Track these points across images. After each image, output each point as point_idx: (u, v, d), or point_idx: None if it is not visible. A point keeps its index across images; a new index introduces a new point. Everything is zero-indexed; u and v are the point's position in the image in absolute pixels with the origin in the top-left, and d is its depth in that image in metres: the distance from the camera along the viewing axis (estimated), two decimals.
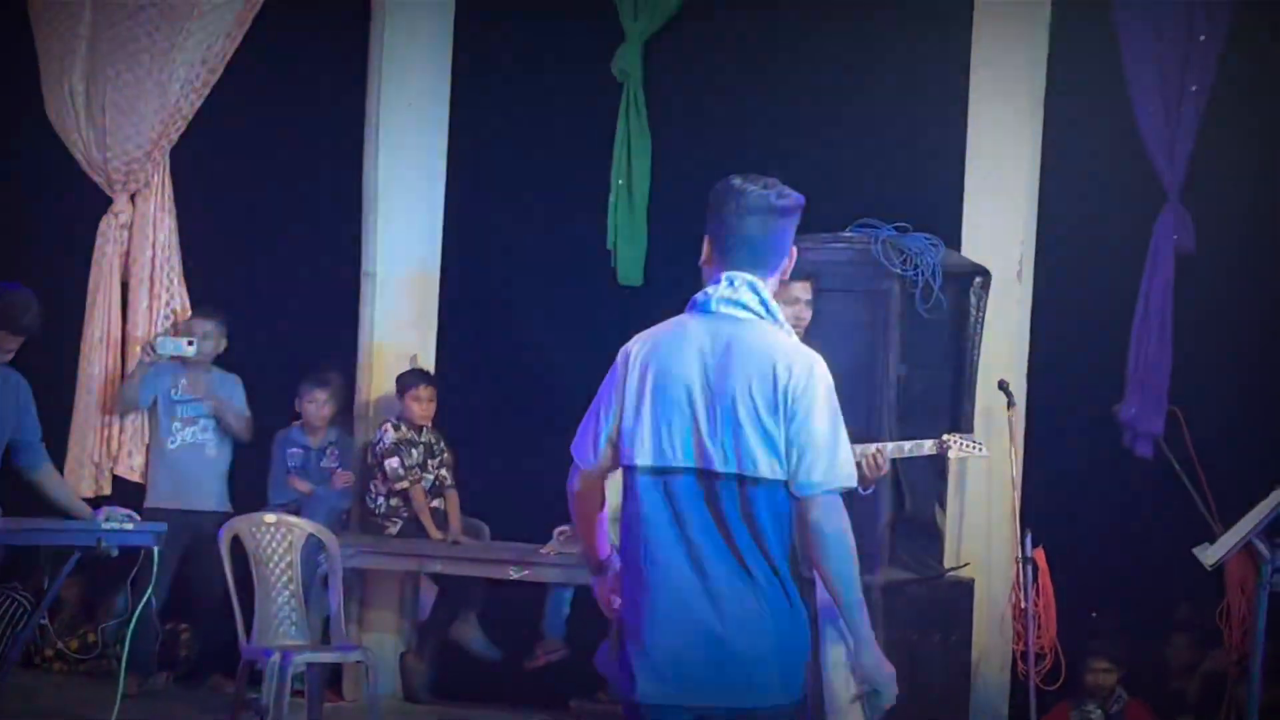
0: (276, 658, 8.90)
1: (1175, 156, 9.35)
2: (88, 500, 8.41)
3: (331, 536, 9.40)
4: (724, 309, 4.96)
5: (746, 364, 4.88)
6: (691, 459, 4.88)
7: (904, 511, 8.86)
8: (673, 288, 10.14)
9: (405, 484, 9.89)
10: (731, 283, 4.98)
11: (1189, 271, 9.46)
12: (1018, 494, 8.95)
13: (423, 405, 10.00)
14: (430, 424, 10.07)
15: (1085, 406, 9.82)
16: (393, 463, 9.90)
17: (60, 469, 8.91)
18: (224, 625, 9.49)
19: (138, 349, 10.28)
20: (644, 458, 4.92)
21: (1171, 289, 9.42)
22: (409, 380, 10.05)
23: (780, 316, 5.00)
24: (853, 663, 4.94)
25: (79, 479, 10.13)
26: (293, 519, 9.45)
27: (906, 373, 8.82)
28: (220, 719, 9.35)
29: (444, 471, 10.07)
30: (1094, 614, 9.68)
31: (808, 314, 7.21)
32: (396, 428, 9.97)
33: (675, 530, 4.89)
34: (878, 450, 7.52)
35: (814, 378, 4.87)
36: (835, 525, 4.83)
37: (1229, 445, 9.26)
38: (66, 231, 10.68)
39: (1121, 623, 10.16)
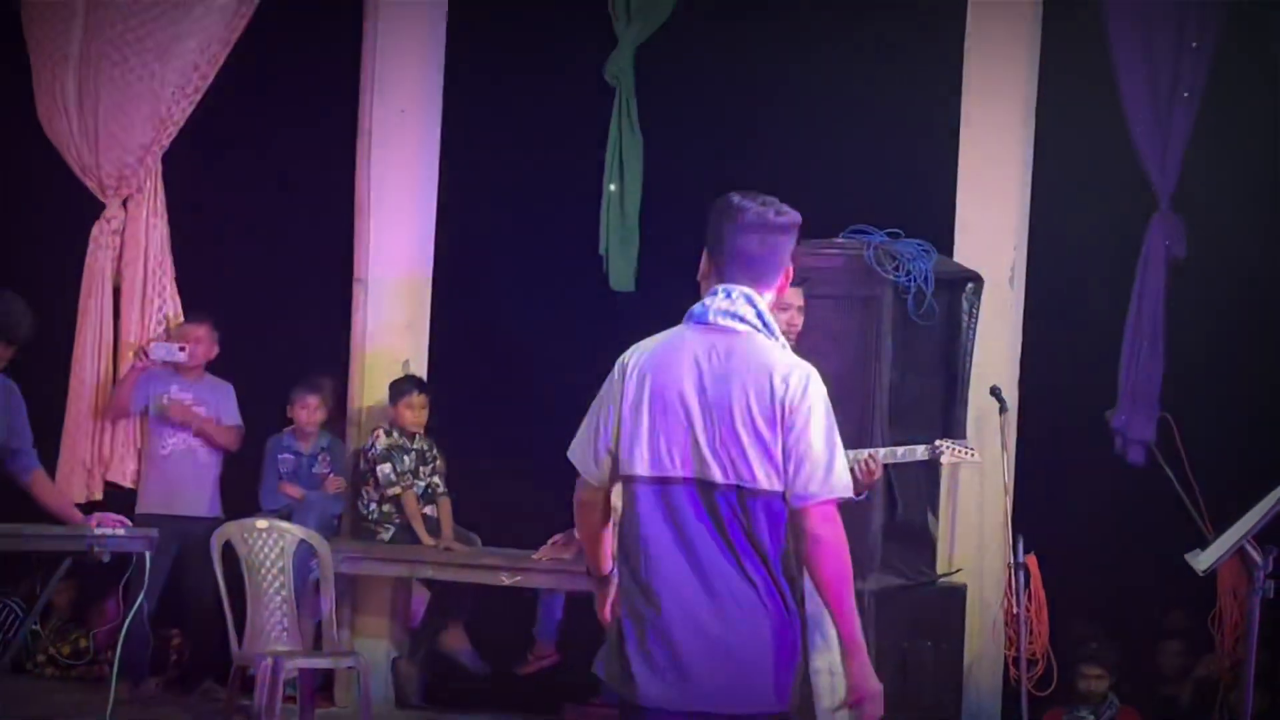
0: (268, 663, 8.90)
1: (1167, 163, 9.37)
2: (80, 506, 8.39)
3: (323, 542, 9.40)
4: (721, 321, 5.03)
5: (744, 376, 4.95)
6: (690, 469, 4.96)
7: (896, 517, 8.86)
8: (665, 293, 10.14)
9: (397, 490, 9.88)
10: (729, 295, 5.05)
11: (1181, 277, 9.47)
12: (1010, 500, 8.96)
13: (415, 412, 9.99)
14: (422, 431, 10.06)
15: (1077, 412, 9.83)
16: (385, 469, 9.89)
17: (52, 474, 8.91)
18: (216, 631, 9.49)
19: (130, 354, 10.27)
20: (643, 467, 4.99)
21: (1163, 295, 9.43)
22: (402, 387, 10.05)
23: (776, 330, 5.07)
24: (844, 671, 5.01)
25: (71, 484, 10.12)
26: (285, 525, 9.45)
27: (899, 378, 8.82)
28: None
29: (436, 479, 10.06)
30: (1086, 646, 9.65)
31: (800, 320, 7.22)
32: (388, 434, 9.96)
33: (675, 538, 4.97)
34: (870, 456, 7.53)
35: (810, 390, 4.94)
36: (832, 535, 4.91)
37: (1221, 451, 9.26)
38: (59, 237, 10.67)
39: (1113, 629, 10.17)
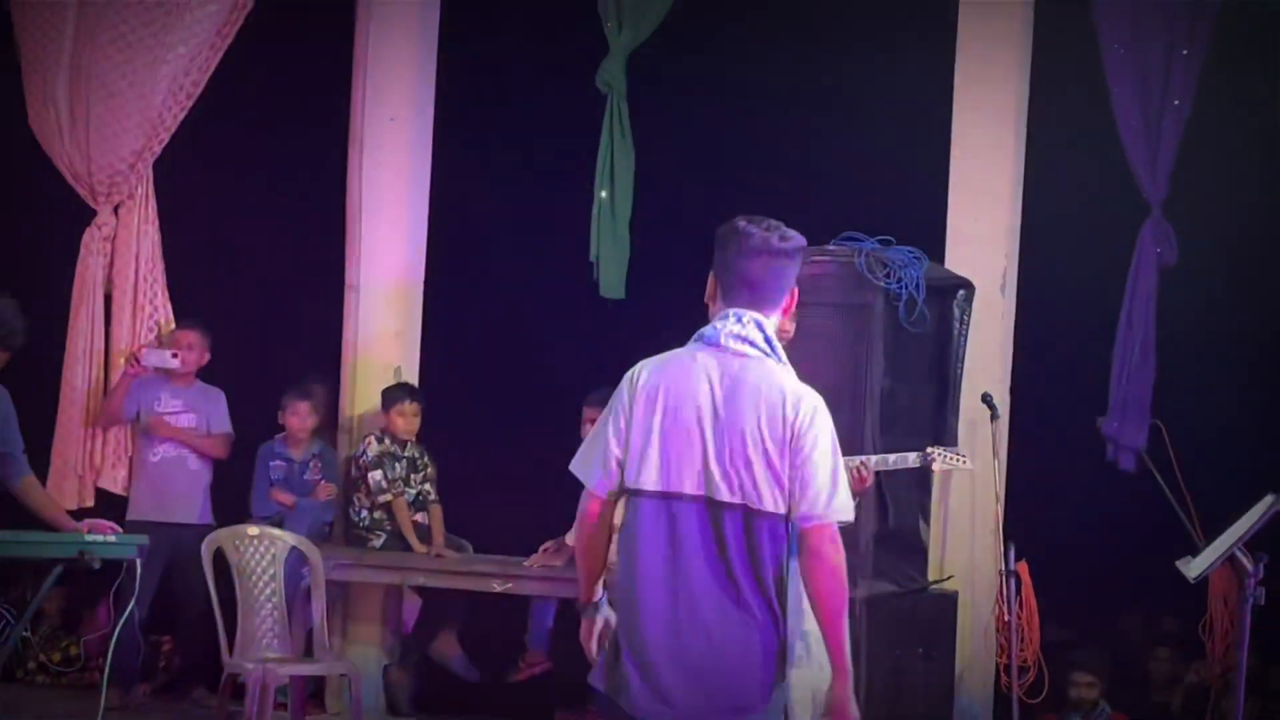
0: (259, 671, 8.89)
1: (1158, 170, 9.37)
2: (71, 513, 8.38)
3: (314, 549, 9.40)
4: (733, 344, 5.16)
5: (755, 400, 5.09)
6: (699, 487, 5.09)
7: (887, 524, 8.86)
8: (655, 300, 10.20)
9: (388, 497, 9.88)
10: (740, 319, 5.17)
11: (1172, 284, 9.48)
12: (1001, 507, 8.96)
13: (407, 420, 9.99)
14: (414, 438, 10.06)
15: (1068, 419, 9.84)
16: (376, 475, 9.89)
17: (43, 481, 8.89)
18: (207, 638, 9.49)
19: (121, 361, 10.26)
20: (651, 483, 5.11)
21: (1154, 302, 9.44)
22: (394, 395, 10.04)
23: (783, 355, 5.20)
24: (827, 689, 5.11)
25: (62, 491, 10.11)
26: (276, 531, 9.44)
27: (890, 385, 8.82)
28: None
29: (427, 486, 10.06)
30: (1077, 653, 9.67)
31: (791, 327, 7.21)
32: (380, 440, 9.96)
33: (671, 554, 5.09)
34: (861, 463, 7.54)
35: (819, 416, 5.11)
36: (833, 556, 5.07)
37: (1212, 458, 9.28)
38: (50, 243, 10.66)
39: (1105, 636, 10.18)
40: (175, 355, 10.02)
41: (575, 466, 5.29)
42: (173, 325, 10.39)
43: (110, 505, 10.04)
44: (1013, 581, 8.67)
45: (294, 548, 9.34)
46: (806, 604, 5.16)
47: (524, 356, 10.90)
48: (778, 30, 10.45)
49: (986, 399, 9.06)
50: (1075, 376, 9.92)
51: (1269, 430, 9.70)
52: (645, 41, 10.05)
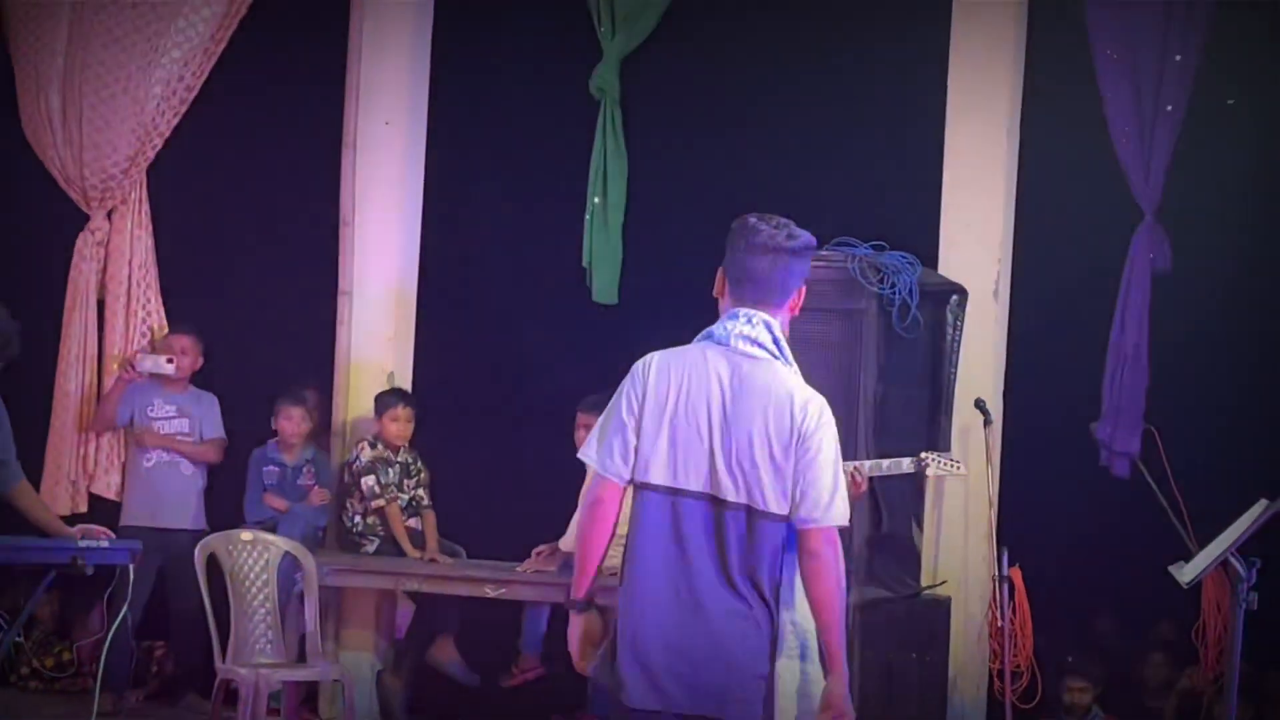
0: (252, 676, 8.88)
1: (1151, 175, 9.38)
2: (64, 518, 8.37)
3: (308, 554, 9.39)
4: (741, 345, 5.27)
5: (764, 402, 5.20)
6: (705, 484, 5.20)
7: (881, 530, 8.87)
8: (648, 306, 10.20)
9: (381, 502, 9.87)
10: (750, 320, 5.29)
11: (1165, 290, 9.48)
12: (994, 512, 8.96)
13: (400, 425, 9.98)
14: (407, 444, 10.05)
15: (1062, 425, 9.84)
16: (369, 481, 9.88)
17: (36, 486, 8.88)
18: (200, 643, 9.48)
19: (115, 366, 10.25)
20: (658, 477, 5.22)
21: (1148, 307, 9.44)
22: (387, 400, 10.04)
23: (790, 356, 5.32)
24: (823, 684, 5.25)
25: (55, 497, 10.11)
26: (269, 537, 9.44)
27: (883, 391, 8.83)
28: None
29: (421, 491, 10.05)
30: (1069, 659, 9.68)
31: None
32: (373, 446, 9.96)
33: (675, 549, 5.21)
34: (855, 469, 7.54)
35: (825, 421, 5.25)
36: (832, 558, 5.21)
37: (1205, 463, 9.28)
38: (43, 248, 10.65)
39: (1098, 641, 10.18)
40: (171, 361, 10.02)
41: (586, 454, 5.35)
42: (166, 330, 10.38)
43: (103, 511, 10.04)
44: (1006, 587, 8.69)
45: (287, 553, 9.34)
46: (800, 599, 5.24)
47: (517, 362, 10.89)
48: (771, 35, 10.45)
49: (980, 404, 9.06)
50: (1069, 382, 9.92)
51: (1262, 436, 9.71)
52: (638, 47, 10.06)
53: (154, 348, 10.26)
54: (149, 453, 10.09)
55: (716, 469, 5.19)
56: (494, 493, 10.60)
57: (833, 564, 5.20)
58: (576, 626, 5.43)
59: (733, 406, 5.20)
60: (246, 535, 9.37)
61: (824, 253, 8.89)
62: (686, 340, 5.46)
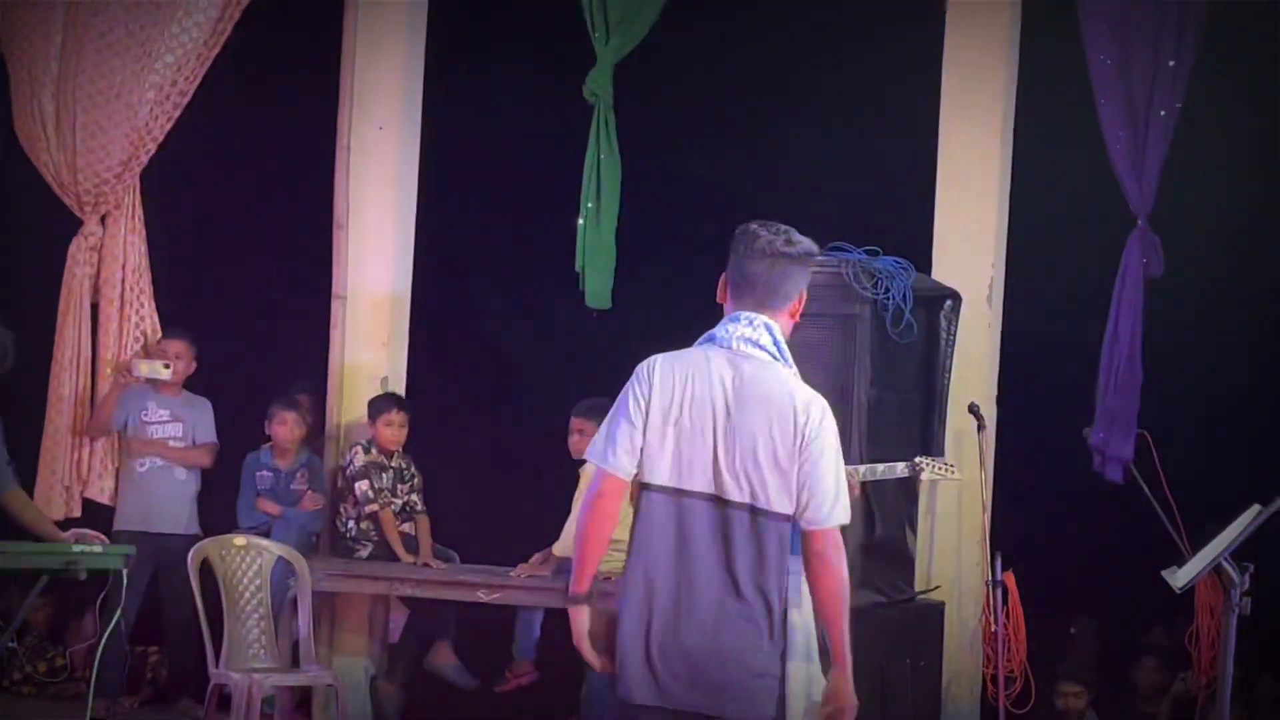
0: (246, 681, 8.88)
1: (1144, 180, 9.39)
2: (58, 523, 8.36)
3: (301, 559, 9.38)
4: (743, 347, 5.37)
5: (767, 403, 5.30)
6: (708, 486, 5.29)
7: (874, 535, 8.86)
8: (641, 311, 10.19)
9: (375, 507, 9.86)
10: (751, 323, 5.39)
11: (1158, 295, 9.49)
12: (988, 517, 8.97)
13: (394, 430, 9.97)
14: (401, 448, 10.05)
15: (1055, 430, 9.85)
16: (362, 486, 9.87)
17: (30, 492, 8.87)
18: (193, 648, 9.47)
19: (108, 371, 10.25)
20: (662, 477, 5.31)
21: (1141, 312, 9.45)
22: (381, 405, 10.03)
23: (790, 359, 5.41)
24: (826, 680, 5.41)
25: (49, 501, 10.09)
26: (262, 542, 9.43)
27: (877, 396, 8.82)
28: None
29: (414, 496, 10.04)
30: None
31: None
32: (367, 450, 9.95)
33: (678, 548, 5.30)
34: (850, 473, 7.53)
35: (826, 422, 5.35)
36: (834, 556, 5.34)
37: (1199, 468, 9.29)
38: (36, 253, 10.65)
39: (1091, 645, 10.18)
40: (168, 366, 10.02)
41: (592, 450, 5.43)
42: (159, 335, 10.38)
43: (97, 515, 10.03)
44: (999, 591, 8.69)
45: (280, 558, 9.33)
46: (805, 598, 5.34)
47: (510, 366, 10.90)
48: (765, 40, 10.47)
49: (973, 409, 9.06)
50: (1062, 387, 9.93)
51: (1255, 441, 9.72)
52: (632, 51, 10.06)
53: (147, 352, 10.25)
54: (142, 457, 10.09)
55: (720, 469, 5.29)
56: (487, 497, 10.60)
57: (837, 564, 5.34)
58: (578, 621, 5.47)
59: (736, 408, 5.30)
60: (240, 540, 9.37)
61: (818, 258, 8.89)
62: (680, 344, 5.53)
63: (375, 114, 10.34)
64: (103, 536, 7.72)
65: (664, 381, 5.35)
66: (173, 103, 10.33)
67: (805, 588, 5.47)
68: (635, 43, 10.06)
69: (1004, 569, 8.74)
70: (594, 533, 5.42)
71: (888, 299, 8.77)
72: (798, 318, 5.55)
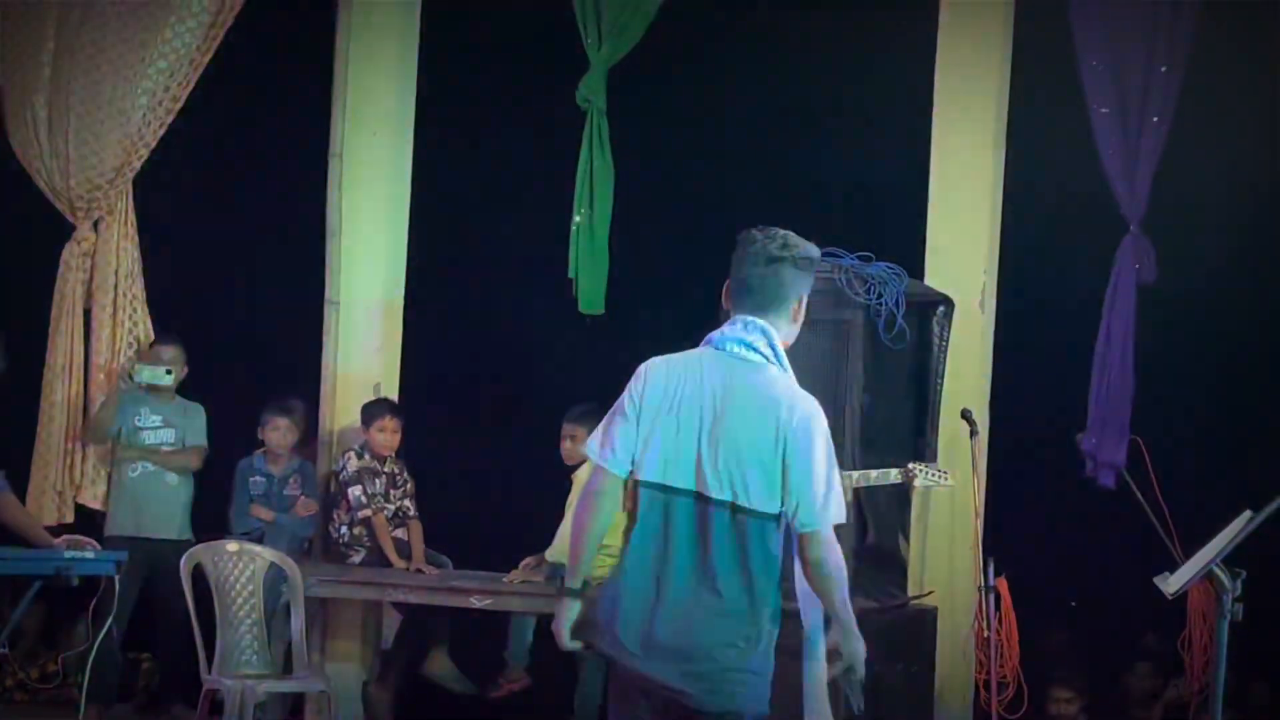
0: (238, 687, 8.87)
1: (1136, 186, 9.39)
2: (50, 529, 8.36)
3: (294, 565, 9.38)
4: (737, 350, 5.46)
5: (754, 403, 5.39)
6: (691, 483, 5.38)
7: (867, 541, 8.86)
8: (634, 316, 10.19)
9: (368, 513, 9.86)
10: (746, 326, 5.49)
11: (1150, 301, 9.50)
12: (980, 523, 8.96)
13: (387, 436, 9.97)
14: (394, 454, 10.05)
15: (1048, 435, 9.85)
16: (355, 491, 9.87)
17: (22, 497, 8.87)
18: (185, 654, 9.46)
19: (102, 377, 10.24)
20: (652, 474, 5.42)
21: (1133, 318, 9.46)
22: (374, 411, 10.03)
23: (786, 362, 5.49)
24: (841, 649, 5.51)
25: (41, 507, 10.09)
26: (255, 547, 9.43)
27: (870, 402, 8.82)
28: None
29: (407, 502, 10.04)
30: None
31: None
32: (359, 456, 9.95)
33: (661, 544, 5.41)
34: (843, 479, 7.53)
35: (814, 422, 5.41)
36: (831, 556, 5.44)
37: (1191, 474, 9.29)
38: (29, 259, 10.64)
39: (1084, 652, 10.18)
40: (169, 372, 10.02)
41: (589, 447, 5.55)
42: (152, 340, 10.37)
43: (89, 521, 10.02)
44: (992, 597, 8.68)
45: (273, 563, 9.33)
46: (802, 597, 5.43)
47: (504, 372, 10.89)
48: (758, 46, 10.47)
49: (966, 415, 9.06)
50: (1055, 393, 9.93)
51: (1248, 447, 9.73)
52: (625, 57, 10.06)
53: (140, 358, 10.25)
54: (134, 463, 10.08)
55: (702, 468, 5.37)
56: (480, 503, 10.60)
57: (832, 564, 5.43)
58: (563, 612, 5.57)
59: (723, 408, 5.38)
60: (232, 546, 9.36)
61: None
62: (673, 350, 5.63)
63: (368, 120, 10.34)
64: (95, 542, 7.72)
65: (659, 381, 5.46)
66: (165, 109, 10.33)
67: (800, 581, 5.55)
68: (628, 48, 10.06)
69: (996, 574, 8.74)
70: (588, 527, 5.54)
71: (880, 305, 8.77)
72: (799, 320, 5.63)
